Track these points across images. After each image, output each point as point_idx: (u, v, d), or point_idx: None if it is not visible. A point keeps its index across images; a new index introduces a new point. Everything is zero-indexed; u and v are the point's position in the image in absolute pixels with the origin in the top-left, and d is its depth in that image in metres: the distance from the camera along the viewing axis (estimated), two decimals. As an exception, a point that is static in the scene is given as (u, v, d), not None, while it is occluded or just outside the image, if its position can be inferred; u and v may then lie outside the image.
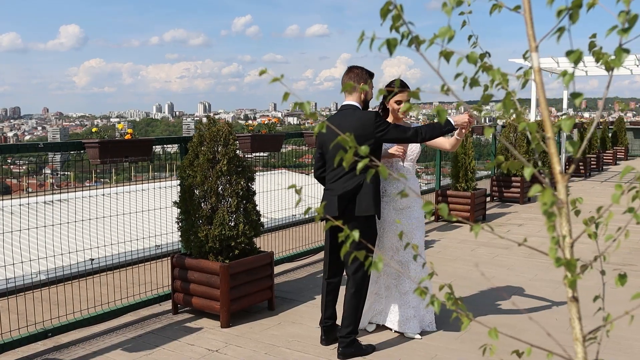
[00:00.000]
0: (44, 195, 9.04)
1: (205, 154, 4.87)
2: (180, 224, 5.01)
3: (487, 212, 10.06)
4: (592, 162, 16.94)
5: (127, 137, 4.43)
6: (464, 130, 4.30)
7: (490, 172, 11.95)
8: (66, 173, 9.41)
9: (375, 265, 1.22)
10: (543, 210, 1.10)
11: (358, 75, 4.08)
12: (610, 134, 20.63)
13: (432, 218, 9.45)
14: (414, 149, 4.56)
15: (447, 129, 4.12)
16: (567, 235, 1.20)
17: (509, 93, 1.40)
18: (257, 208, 5.11)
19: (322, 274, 4.50)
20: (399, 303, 4.54)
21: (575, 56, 1.08)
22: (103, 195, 10.02)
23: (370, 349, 4.24)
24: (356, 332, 4.17)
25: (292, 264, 6.64)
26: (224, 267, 4.67)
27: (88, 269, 5.57)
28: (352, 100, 4.10)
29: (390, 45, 1.13)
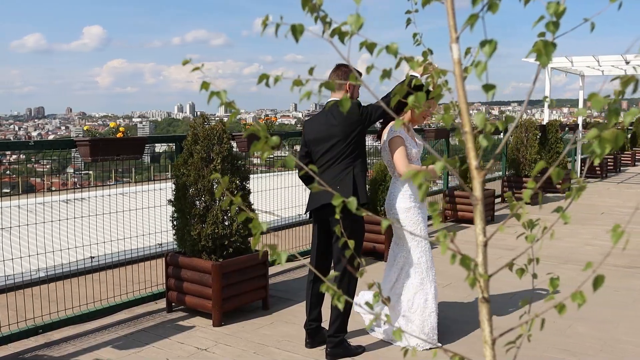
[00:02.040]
0: (51, 195, 9.12)
1: (199, 152, 4.86)
2: (174, 222, 5.01)
3: (497, 213, 9.95)
4: (609, 163, 16.69)
5: (119, 135, 4.44)
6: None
7: (501, 173, 11.83)
8: (88, 172, 9.49)
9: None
10: (421, 196, 1.06)
11: (345, 73, 4.06)
12: (629, 135, 20.30)
13: (440, 219, 9.36)
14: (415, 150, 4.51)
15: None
16: (481, 233, 1.16)
17: (438, 87, 1.36)
18: (253, 207, 5.10)
19: None
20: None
21: (490, 48, 1.04)
22: (122, 194, 10.09)
23: (360, 349, 4.21)
24: (344, 331, 4.14)
25: (291, 264, 6.61)
26: (216, 266, 4.67)
27: (88, 267, 5.61)
28: (337, 97, 4.10)
29: (296, 32, 1.10)
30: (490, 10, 1.09)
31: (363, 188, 4.05)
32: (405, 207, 4.38)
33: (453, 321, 4.84)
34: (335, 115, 4.05)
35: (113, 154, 4.35)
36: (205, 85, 1.18)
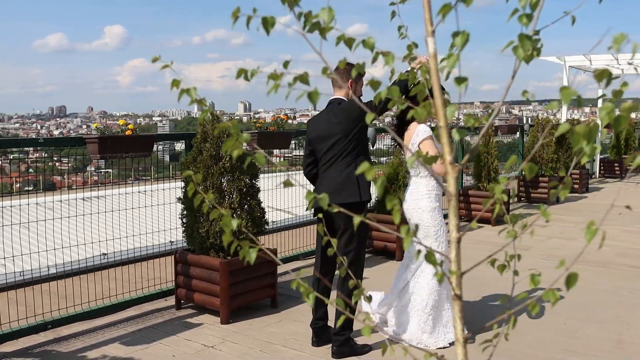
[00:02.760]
0: (68, 193, 9.21)
1: (208, 150, 4.87)
2: (183, 220, 5.03)
3: (512, 213, 9.84)
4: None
5: (128, 132, 4.46)
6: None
7: (517, 173, 11.72)
8: (108, 170, 9.58)
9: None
10: (379, 188, 1.04)
11: (347, 72, 4.05)
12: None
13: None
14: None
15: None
16: (454, 230, 1.14)
17: (422, 84, 1.34)
18: (262, 205, 5.10)
19: None
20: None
21: (462, 39, 1.02)
22: (139, 192, 10.16)
23: (366, 348, 4.19)
24: (350, 329, 4.12)
25: (302, 262, 6.60)
26: (224, 264, 4.67)
27: (99, 264, 5.65)
28: (339, 95, 4.12)
29: (267, 24, 1.09)
30: (464, 3, 1.07)
31: (365, 185, 4.04)
32: (432, 206, 4.40)
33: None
34: (335, 113, 4.05)
35: (121, 151, 4.37)
36: (175, 82, 1.17)
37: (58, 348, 4.26)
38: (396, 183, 6.97)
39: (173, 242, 6.81)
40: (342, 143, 4.00)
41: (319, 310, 4.27)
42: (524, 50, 1.01)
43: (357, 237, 4.03)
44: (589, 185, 13.04)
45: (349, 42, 1.15)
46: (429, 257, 1.07)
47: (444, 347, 4.29)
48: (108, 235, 6.87)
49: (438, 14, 1.05)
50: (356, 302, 4.22)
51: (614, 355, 4.19)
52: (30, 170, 6.89)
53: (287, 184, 1.22)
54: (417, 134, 4.38)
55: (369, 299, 1.44)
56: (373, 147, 7.54)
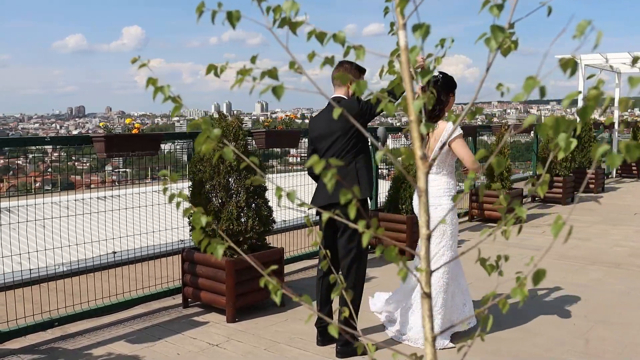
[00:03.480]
0: (83, 192, 9.30)
1: (215, 149, 4.87)
2: (190, 218, 5.04)
3: (526, 213, 9.76)
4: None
5: (134, 131, 4.48)
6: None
7: (532, 173, 11.61)
8: (126, 170, 9.64)
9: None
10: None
11: (347, 70, 4.03)
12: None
13: (466, 218, 9.25)
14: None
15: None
16: (424, 226, 1.12)
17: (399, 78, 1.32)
18: (269, 204, 5.09)
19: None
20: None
21: (422, 31, 1.00)
22: (152, 191, 10.22)
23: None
24: (354, 328, 4.10)
25: (308, 262, 6.59)
26: (229, 262, 4.67)
27: (110, 262, 5.68)
28: (339, 94, 4.11)
29: (232, 18, 1.07)
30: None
31: (365, 183, 4.02)
32: (451, 204, 4.39)
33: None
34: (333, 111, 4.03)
35: (128, 150, 4.39)
36: (151, 81, 1.16)
37: (64, 345, 4.29)
38: (406, 181, 6.92)
39: (183, 240, 6.85)
40: (341, 141, 3.98)
41: (323, 309, 4.25)
42: (495, 41, 0.99)
43: (358, 234, 4.01)
44: (605, 185, 12.87)
45: (320, 37, 1.13)
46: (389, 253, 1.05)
47: (449, 348, 4.26)
48: (120, 233, 6.93)
49: (411, 10, 1.03)
50: (359, 300, 4.21)
51: (623, 357, 4.13)
52: (50, 169, 6.97)
53: (256, 181, 1.20)
54: (447, 132, 4.38)
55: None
56: (384, 146, 7.50)
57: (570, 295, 5.44)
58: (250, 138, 5.67)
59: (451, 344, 4.28)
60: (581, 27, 0.83)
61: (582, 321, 4.79)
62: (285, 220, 7.45)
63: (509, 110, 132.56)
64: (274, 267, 1.39)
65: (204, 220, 1.18)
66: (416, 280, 3.98)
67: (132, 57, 1.24)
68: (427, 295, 1.12)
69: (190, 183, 5.03)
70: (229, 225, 4.76)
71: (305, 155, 4.99)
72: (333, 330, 1.17)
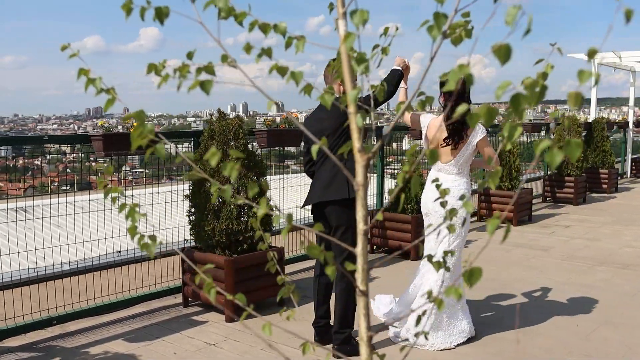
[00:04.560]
0: (95, 192, 9.33)
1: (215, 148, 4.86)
2: (190, 218, 5.04)
3: (536, 213, 9.66)
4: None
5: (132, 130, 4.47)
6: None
7: (543, 173, 11.49)
8: (143, 170, 9.70)
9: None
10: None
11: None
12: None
13: (475, 218, 9.16)
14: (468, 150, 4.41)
15: (394, 77, 4.13)
16: (361, 221, 1.08)
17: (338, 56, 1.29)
18: (271, 203, 5.07)
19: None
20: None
21: (359, 17, 0.97)
22: (165, 192, 10.24)
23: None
24: (351, 327, 4.07)
25: (310, 262, 6.55)
26: (228, 261, 4.66)
27: (111, 261, 5.69)
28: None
29: (162, 15, 1.04)
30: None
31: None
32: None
33: (475, 321, 4.67)
34: (324, 109, 4.00)
35: (126, 149, 4.39)
36: (82, 72, 1.14)
37: (62, 343, 4.30)
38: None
39: (188, 239, 6.85)
40: (331, 140, 3.95)
41: (320, 308, 4.22)
42: (438, 29, 0.95)
43: (350, 233, 3.97)
44: (619, 185, 12.70)
45: (264, 28, 1.10)
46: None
47: (448, 349, 4.21)
48: (123, 232, 6.93)
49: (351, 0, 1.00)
50: (354, 299, 4.18)
51: (626, 359, 4.05)
52: (68, 170, 7.03)
53: (192, 175, 1.18)
54: (477, 133, 4.36)
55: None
56: (387, 145, 7.46)
57: (575, 296, 5.36)
58: (252, 137, 5.65)
59: (447, 345, 4.23)
60: (511, 14, 0.79)
61: (586, 322, 4.72)
62: (299, 219, 7.44)
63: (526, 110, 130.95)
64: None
65: (137, 217, 1.15)
66: (422, 283, 3.93)
67: (62, 45, 1.21)
68: (363, 294, 1.09)
69: (190, 182, 5.03)
70: (229, 225, 4.75)
71: None
72: (306, 348, 1.15)
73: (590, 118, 12.81)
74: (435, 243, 4.35)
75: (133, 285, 5.26)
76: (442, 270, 4.30)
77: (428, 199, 4.42)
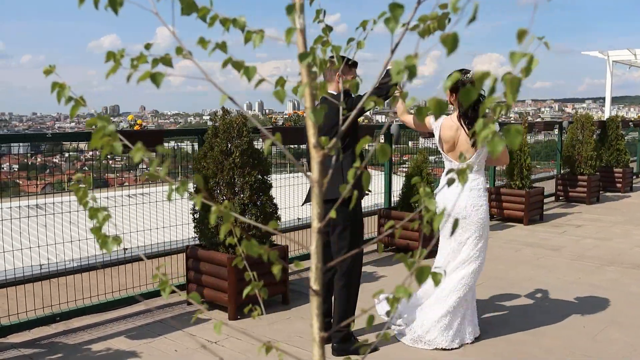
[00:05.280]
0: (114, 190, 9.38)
1: (219, 145, 4.87)
2: (195, 216, 5.04)
3: (548, 212, 9.56)
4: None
5: (136, 127, 4.49)
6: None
7: (555, 172, 11.37)
8: (159, 168, 9.75)
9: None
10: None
11: (333, 65, 3.96)
12: None
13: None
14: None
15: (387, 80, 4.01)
16: (316, 219, 1.06)
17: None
18: (274, 201, 5.06)
19: None
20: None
21: (292, 9, 0.94)
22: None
23: (372, 349, 4.09)
24: (349, 326, 4.05)
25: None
26: (231, 259, 4.65)
27: (118, 258, 5.70)
28: (330, 90, 4.03)
29: (115, 4, 1.03)
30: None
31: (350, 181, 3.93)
32: (487, 206, 4.40)
33: (480, 320, 4.61)
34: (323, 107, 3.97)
35: (126, 147, 4.39)
36: (47, 70, 1.13)
37: (65, 340, 4.32)
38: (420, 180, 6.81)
39: (195, 237, 6.86)
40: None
41: (322, 306, 4.20)
42: (395, 21, 0.92)
43: (349, 232, 3.95)
44: (634, 185, 12.54)
45: (224, 22, 1.08)
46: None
47: (452, 349, 4.17)
48: (137, 228, 6.98)
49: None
50: (355, 298, 4.15)
51: (630, 360, 3.99)
52: (85, 167, 7.09)
53: (150, 175, 1.16)
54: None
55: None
56: (396, 143, 7.41)
57: (583, 296, 5.29)
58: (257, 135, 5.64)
59: (454, 345, 4.20)
60: (452, 2, 0.76)
61: (593, 322, 4.66)
62: (300, 218, 7.43)
63: (542, 109, 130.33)
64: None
65: (100, 216, 1.14)
66: (430, 283, 3.90)
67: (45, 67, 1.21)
68: (315, 293, 1.07)
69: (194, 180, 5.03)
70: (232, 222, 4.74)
71: None
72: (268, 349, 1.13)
73: (605, 116, 12.64)
74: (457, 244, 4.30)
75: (138, 283, 5.28)
76: (465, 270, 4.27)
77: (449, 200, 4.27)
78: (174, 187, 1.05)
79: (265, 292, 1.28)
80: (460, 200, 4.24)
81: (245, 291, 1.34)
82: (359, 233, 4.13)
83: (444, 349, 4.16)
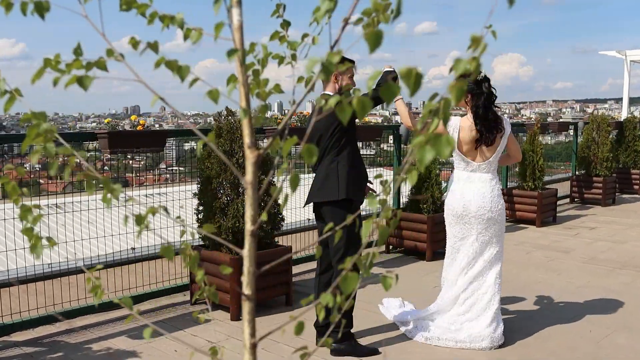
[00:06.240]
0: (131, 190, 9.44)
1: (222, 145, 4.86)
2: (199, 216, 5.04)
3: (562, 214, 9.44)
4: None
5: (139, 128, 4.50)
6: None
7: (570, 173, 11.22)
8: (180, 168, 9.81)
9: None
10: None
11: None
12: None
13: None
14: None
15: (384, 79, 3.95)
16: (249, 221, 1.03)
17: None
18: (279, 202, 5.04)
19: None
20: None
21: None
22: (191, 190, 10.34)
23: (372, 351, 4.05)
24: (349, 326, 4.03)
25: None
26: (234, 260, 4.64)
27: (125, 258, 5.72)
28: (327, 91, 4.01)
29: (42, 9, 1.01)
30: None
31: (345, 183, 3.88)
32: (504, 207, 4.38)
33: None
34: (320, 108, 3.95)
35: (132, 146, 4.41)
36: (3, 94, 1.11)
37: (67, 339, 4.34)
38: (429, 181, 6.75)
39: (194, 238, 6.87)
40: (324, 139, 3.91)
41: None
42: (323, 11, 0.89)
43: (344, 233, 3.91)
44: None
45: (164, 20, 1.06)
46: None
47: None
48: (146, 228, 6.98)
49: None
50: (353, 298, 4.11)
51: None
52: (106, 167, 7.15)
53: (116, 191, 1.13)
54: (509, 129, 4.35)
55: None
56: (406, 144, 7.35)
57: (592, 300, 5.20)
58: (263, 135, 5.64)
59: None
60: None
61: (600, 327, 4.57)
62: (309, 219, 7.40)
63: (564, 110, 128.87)
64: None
65: (30, 218, 1.12)
66: (447, 298, 3.85)
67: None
68: (248, 298, 1.04)
69: (198, 179, 5.03)
70: (235, 223, 4.74)
71: None
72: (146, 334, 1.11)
73: (622, 117, 12.45)
74: (480, 244, 4.26)
75: (143, 282, 5.29)
76: (494, 270, 4.24)
77: (470, 203, 4.24)
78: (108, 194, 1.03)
79: (215, 297, 1.24)
80: (485, 200, 4.23)
81: (195, 296, 1.31)
82: (354, 236, 4.09)
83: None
